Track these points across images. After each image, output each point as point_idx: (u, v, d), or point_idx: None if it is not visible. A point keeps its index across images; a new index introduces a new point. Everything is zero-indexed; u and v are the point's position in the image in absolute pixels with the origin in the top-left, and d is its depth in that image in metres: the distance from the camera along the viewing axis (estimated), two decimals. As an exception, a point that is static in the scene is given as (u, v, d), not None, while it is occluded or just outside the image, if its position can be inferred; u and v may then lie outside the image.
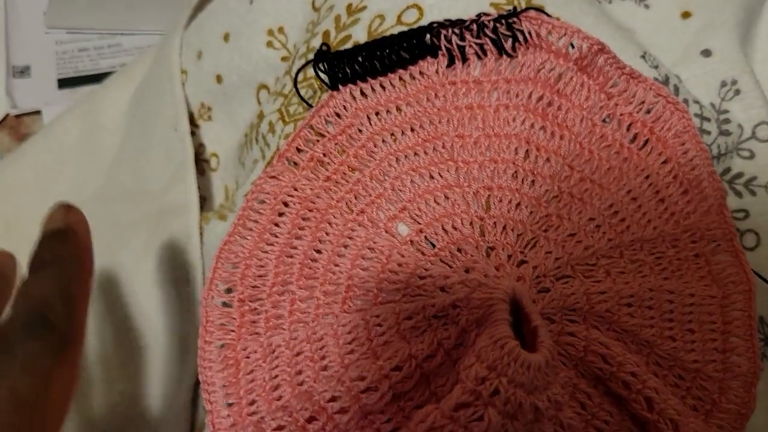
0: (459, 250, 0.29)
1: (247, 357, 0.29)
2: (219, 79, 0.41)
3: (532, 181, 0.30)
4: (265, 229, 0.30)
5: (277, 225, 0.30)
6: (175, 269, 0.39)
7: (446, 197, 0.30)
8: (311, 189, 0.30)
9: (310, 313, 0.28)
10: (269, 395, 0.27)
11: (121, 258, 0.43)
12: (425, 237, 0.29)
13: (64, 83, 0.56)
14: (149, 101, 0.45)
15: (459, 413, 0.23)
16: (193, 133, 0.43)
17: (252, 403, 0.28)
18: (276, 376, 0.28)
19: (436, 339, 0.26)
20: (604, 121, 0.31)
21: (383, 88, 0.31)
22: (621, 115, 0.32)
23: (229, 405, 0.28)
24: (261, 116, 0.37)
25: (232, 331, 0.29)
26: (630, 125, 0.32)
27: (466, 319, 0.26)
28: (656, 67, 0.34)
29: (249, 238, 0.30)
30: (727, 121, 0.35)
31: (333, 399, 0.25)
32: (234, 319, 0.29)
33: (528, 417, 0.24)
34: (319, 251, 0.29)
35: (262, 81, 0.39)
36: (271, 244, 0.30)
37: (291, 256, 0.29)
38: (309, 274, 0.29)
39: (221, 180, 0.42)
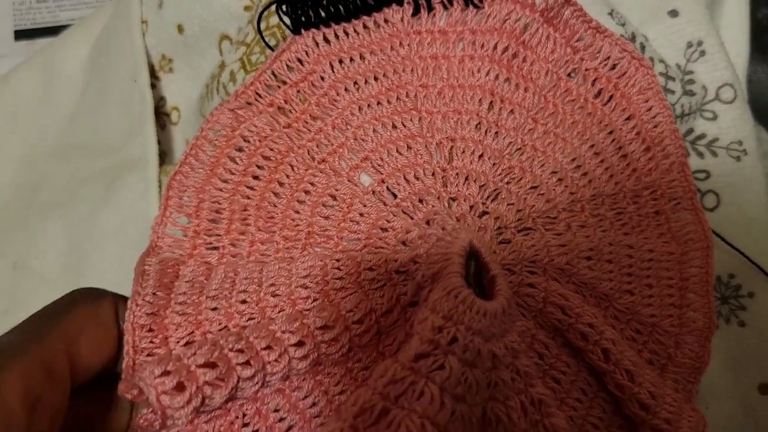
0: (421, 201, 0.29)
1: (189, 279, 0.27)
2: (180, 29, 0.40)
3: (496, 133, 0.30)
4: (219, 162, 0.29)
5: (233, 160, 0.29)
6: (133, 223, 0.38)
7: (409, 147, 0.29)
8: (271, 130, 0.29)
9: (270, 256, 0.28)
10: (202, 311, 0.26)
11: (78, 212, 0.41)
12: (387, 187, 0.29)
13: (21, 35, 0.54)
14: (108, 53, 0.44)
15: (419, 364, 0.23)
16: (153, 86, 0.42)
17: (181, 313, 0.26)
18: (215, 297, 0.26)
19: (394, 294, 0.26)
20: (569, 75, 0.31)
21: (347, 34, 0.31)
22: (586, 70, 0.31)
23: (151, 314, 0.26)
24: (222, 66, 0.36)
25: (180, 251, 0.28)
26: (595, 80, 0.31)
27: (422, 275, 0.26)
28: (623, 24, 0.34)
29: (202, 170, 0.29)
30: (691, 81, 0.35)
31: (298, 344, 0.24)
32: (186, 248, 0.28)
33: (487, 364, 0.24)
34: (277, 195, 0.28)
35: (224, 31, 0.38)
36: (226, 181, 0.29)
37: (248, 197, 0.28)
38: (267, 217, 0.28)
39: (182, 134, 0.41)
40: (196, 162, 0.28)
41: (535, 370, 0.26)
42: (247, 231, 0.28)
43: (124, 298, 0.26)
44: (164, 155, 0.41)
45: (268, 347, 0.24)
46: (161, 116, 0.42)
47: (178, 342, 0.25)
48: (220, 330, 0.25)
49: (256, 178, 0.28)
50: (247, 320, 0.25)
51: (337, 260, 0.26)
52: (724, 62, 0.36)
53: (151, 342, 0.25)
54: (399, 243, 0.28)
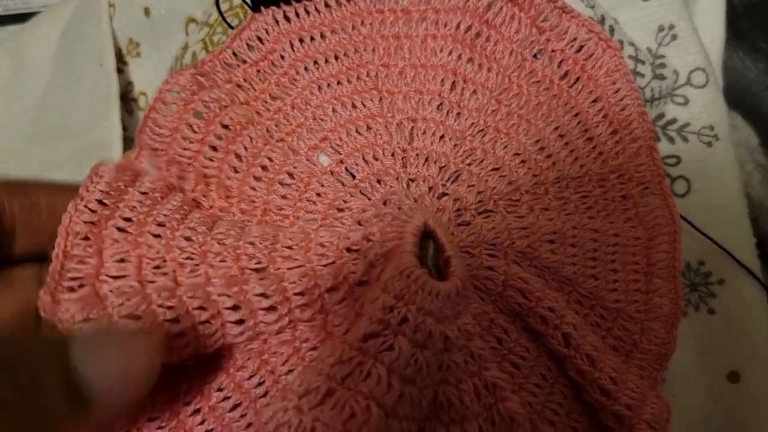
0: (379, 182, 0.28)
1: (141, 193, 0.26)
2: (147, 12, 0.39)
3: (458, 114, 0.29)
4: (178, 129, 0.27)
5: (191, 127, 0.27)
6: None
7: (368, 127, 0.29)
8: (231, 101, 0.28)
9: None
10: (143, 233, 0.25)
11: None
12: (346, 168, 0.28)
13: (-6, 21, 0.53)
14: (77, 37, 0.43)
15: (368, 344, 0.22)
16: (122, 71, 0.41)
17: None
18: (162, 224, 0.25)
19: (343, 272, 0.25)
20: (535, 56, 0.31)
21: (308, 13, 0.30)
22: (552, 51, 0.31)
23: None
24: (186, 48, 0.35)
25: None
26: (561, 62, 0.31)
27: (375, 254, 0.25)
28: (592, 6, 0.33)
29: (161, 137, 0.28)
30: (662, 65, 0.35)
31: (233, 308, 0.24)
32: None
33: (438, 346, 0.23)
34: (235, 169, 0.27)
35: (190, 13, 0.38)
36: (185, 149, 0.27)
37: (206, 167, 0.27)
38: (225, 188, 0.27)
39: (150, 119, 0.41)
40: (155, 126, 0.27)
41: (490, 353, 0.25)
42: (209, 195, 0.27)
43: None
44: (131, 141, 0.41)
45: (201, 308, 0.23)
46: (128, 101, 0.41)
47: (111, 257, 0.24)
48: (156, 259, 0.24)
49: (213, 148, 0.27)
50: (185, 258, 0.24)
51: (291, 232, 0.26)
52: (696, 46, 0.35)
53: (85, 250, 0.24)
54: (355, 223, 0.27)
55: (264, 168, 0.27)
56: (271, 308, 0.24)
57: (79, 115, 0.42)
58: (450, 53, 0.29)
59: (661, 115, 0.35)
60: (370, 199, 0.28)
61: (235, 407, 0.25)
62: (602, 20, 0.33)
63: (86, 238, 0.24)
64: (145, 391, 0.20)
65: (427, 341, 0.23)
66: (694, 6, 0.39)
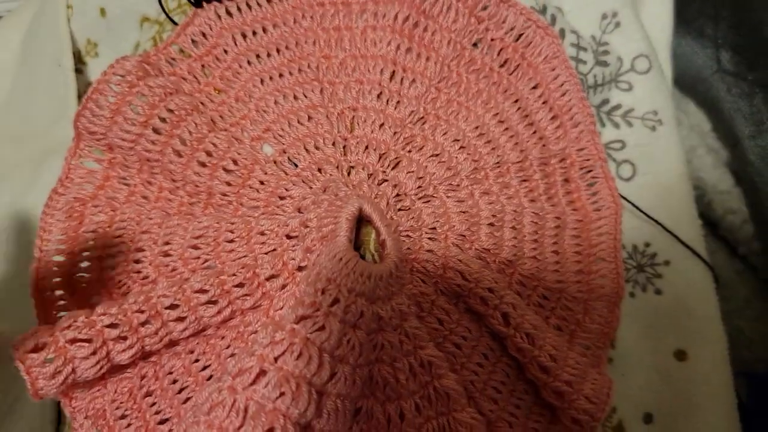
0: (320, 170, 0.29)
1: (95, 215, 0.28)
2: (103, 12, 0.40)
3: (398, 102, 0.30)
4: (120, 111, 0.28)
5: (134, 110, 0.28)
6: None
7: (310, 118, 0.29)
8: (176, 90, 0.28)
9: (174, 207, 0.28)
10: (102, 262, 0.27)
11: (9, 196, 0.41)
12: (288, 157, 0.29)
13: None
14: (37, 39, 0.44)
15: (300, 325, 0.23)
16: (81, 71, 0.41)
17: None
18: (118, 245, 0.27)
19: (282, 259, 0.26)
20: (474, 45, 0.31)
21: (249, 7, 0.31)
22: (492, 39, 0.31)
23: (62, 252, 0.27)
24: (137, 46, 0.36)
25: (90, 186, 0.28)
26: (501, 50, 0.31)
27: (312, 239, 0.26)
28: (535, -4, 0.34)
29: (104, 117, 0.28)
30: (606, 52, 0.35)
31: (171, 307, 0.24)
32: (97, 179, 0.29)
33: (371, 326, 0.24)
34: (179, 153, 0.28)
35: (144, 12, 0.38)
36: (128, 131, 0.28)
37: (148, 150, 0.28)
38: (170, 172, 0.28)
39: (109, 119, 0.41)
40: (96, 108, 0.28)
41: (428, 333, 0.26)
42: (154, 182, 0.28)
43: None
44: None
45: (140, 311, 0.24)
46: (89, 101, 0.42)
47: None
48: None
49: (156, 131, 0.27)
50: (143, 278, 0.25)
51: (232, 224, 0.26)
52: (638, 33, 0.36)
53: None
54: (295, 210, 0.28)
55: (209, 154, 0.28)
56: (211, 302, 0.24)
57: (39, 116, 0.42)
58: (389, 44, 0.30)
59: (606, 101, 0.36)
60: (311, 188, 0.28)
61: (182, 389, 0.25)
62: (544, 9, 0.34)
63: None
64: None
65: (359, 321, 0.24)
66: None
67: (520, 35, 0.32)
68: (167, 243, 0.26)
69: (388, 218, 0.27)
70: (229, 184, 0.28)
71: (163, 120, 0.28)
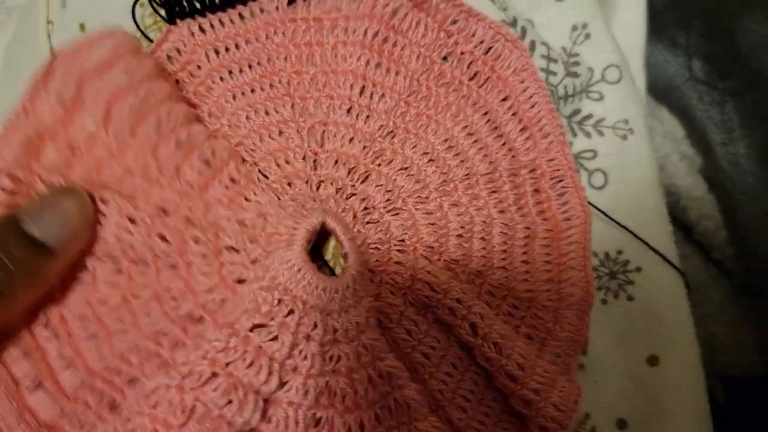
0: (290, 184, 0.29)
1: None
2: (83, 27, 0.40)
3: (367, 117, 0.30)
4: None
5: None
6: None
7: (281, 132, 0.30)
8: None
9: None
10: None
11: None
12: (259, 170, 0.29)
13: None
14: (19, 55, 0.44)
15: (253, 334, 0.24)
16: (63, 85, 0.42)
17: None
18: None
19: (220, 273, 0.26)
20: (444, 58, 0.32)
21: (222, 24, 0.31)
22: (462, 53, 0.32)
23: None
24: (115, 61, 0.36)
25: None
26: (470, 63, 0.32)
27: (261, 251, 0.26)
28: (505, 9, 0.35)
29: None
30: (576, 63, 0.36)
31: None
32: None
33: (325, 338, 0.25)
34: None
35: (123, 28, 0.39)
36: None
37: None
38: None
39: (91, 132, 0.42)
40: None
41: (391, 344, 0.27)
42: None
43: None
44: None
45: None
46: (70, 114, 0.42)
47: None
48: None
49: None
50: None
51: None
52: (609, 44, 0.37)
53: None
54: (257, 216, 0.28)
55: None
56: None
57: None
58: (359, 59, 0.30)
59: (577, 111, 0.36)
60: (279, 199, 0.29)
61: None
62: (514, 22, 0.35)
63: None
64: (87, 235, 0.25)
65: (312, 333, 0.24)
66: (617, 3, 0.40)
67: (490, 48, 0.32)
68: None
69: (355, 231, 0.28)
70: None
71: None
